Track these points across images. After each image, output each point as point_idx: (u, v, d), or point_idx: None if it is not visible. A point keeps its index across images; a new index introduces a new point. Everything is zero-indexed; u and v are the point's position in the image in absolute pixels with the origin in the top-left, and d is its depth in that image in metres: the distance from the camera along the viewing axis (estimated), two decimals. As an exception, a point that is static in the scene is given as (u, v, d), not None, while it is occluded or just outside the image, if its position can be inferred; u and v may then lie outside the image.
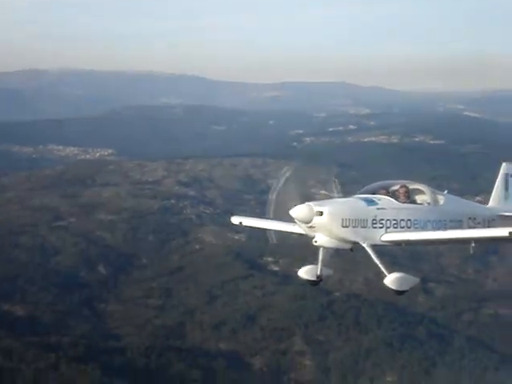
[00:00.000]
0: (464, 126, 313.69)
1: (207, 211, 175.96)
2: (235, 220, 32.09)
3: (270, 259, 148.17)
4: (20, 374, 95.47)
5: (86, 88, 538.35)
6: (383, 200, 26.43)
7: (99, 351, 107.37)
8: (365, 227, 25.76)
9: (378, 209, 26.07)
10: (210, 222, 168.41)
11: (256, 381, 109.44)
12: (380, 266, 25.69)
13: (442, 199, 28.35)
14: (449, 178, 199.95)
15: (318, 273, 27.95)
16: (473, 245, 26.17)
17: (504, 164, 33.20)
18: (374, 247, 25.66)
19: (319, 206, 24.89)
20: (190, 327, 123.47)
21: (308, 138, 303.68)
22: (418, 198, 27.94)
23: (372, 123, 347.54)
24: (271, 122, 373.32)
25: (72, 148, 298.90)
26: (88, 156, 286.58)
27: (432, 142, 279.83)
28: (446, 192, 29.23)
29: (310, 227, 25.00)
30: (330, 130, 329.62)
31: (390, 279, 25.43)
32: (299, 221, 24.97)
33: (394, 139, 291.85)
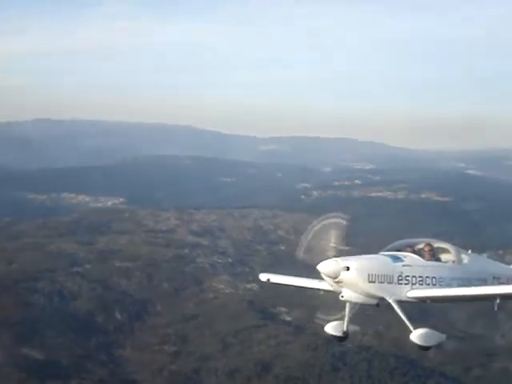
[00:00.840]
0: (467, 183, 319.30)
1: (220, 260, 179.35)
2: (263, 277, 33.17)
3: (282, 309, 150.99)
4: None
5: (96, 138, 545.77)
6: (409, 257, 27.17)
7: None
8: (391, 283, 26.40)
9: (403, 265, 26.77)
10: (223, 272, 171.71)
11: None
12: (406, 321, 26.50)
13: (466, 258, 28.93)
14: (454, 234, 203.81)
15: (345, 329, 28.49)
16: (497, 301, 26.49)
17: None
18: (400, 303, 26.47)
19: (346, 261, 25.61)
20: (206, 374, 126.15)
21: (315, 192, 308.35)
22: (443, 257, 28.60)
23: (377, 178, 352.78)
24: (279, 175, 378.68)
25: (84, 196, 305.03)
26: (100, 204, 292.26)
27: (437, 198, 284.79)
28: (469, 251, 29.77)
29: (337, 282, 25.68)
30: (336, 184, 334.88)
31: (416, 334, 26.38)
32: (326, 276, 25.72)
33: (400, 195, 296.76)
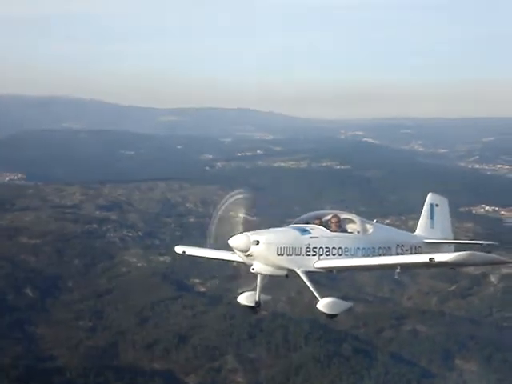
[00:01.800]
0: (365, 152, 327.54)
1: (130, 234, 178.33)
2: (178, 249, 33.60)
3: (196, 280, 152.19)
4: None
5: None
6: (316, 229, 28.10)
7: (38, 372, 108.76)
8: (299, 255, 27.21)
9: (311, 237, 27.66)
10: (134, 245, 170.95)
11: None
12: (313, 291, 27.51)
13: (371, 228, 29.96)
14: (356, 201, 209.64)
15: (257, 299, 29.36)
16: (398, 270, 27.69)
17: (430, 194, 35.58)
18: (308, 274, 27.38)
19: (256, 235, 26.42)
20: (123, 348, 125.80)
21: (219, 163, 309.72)
22: (349, 227, 29.66)
23: (278, 148, 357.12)
24: (179, 147, 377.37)
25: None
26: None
27: (338, 167, 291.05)
28: (375, 221, 30.84)
29: (248, 256, 26.48)
30: (239, 154, 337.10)
31: (323, 303, 27.34)
32: (237, 250, 26.52)
33: (303, 164, 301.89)
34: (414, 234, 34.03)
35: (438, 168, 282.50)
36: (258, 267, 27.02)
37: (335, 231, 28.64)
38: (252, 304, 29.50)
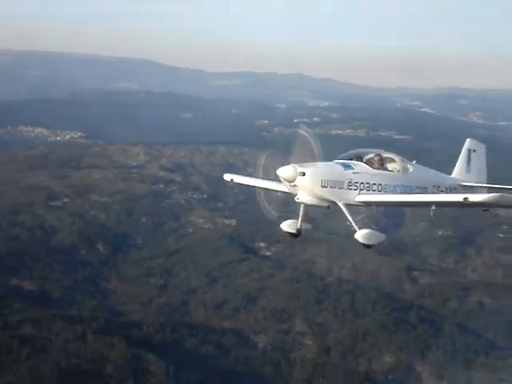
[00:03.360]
0: (423, 122, 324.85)
1: (194, 196, 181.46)
2: (227, 177, 35.21)
3: (262, 244, 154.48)
4: (52, 343, 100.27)
5: (41, 70, 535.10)
6: (359, 166, 29.48)
7: (117, 325, 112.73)
8: (341, 188, 28.70)
9: (353, 173, 29.06)
10: (199, 207, 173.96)
11: (262, 358, 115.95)
12: (352, 222, 28.74)
13: (410, 168, 31.31)
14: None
15: (298, 226, 30.81)
16: (433, 208, 28.97)
17: (468, 140, 37.15)
18: (349, 206, 28.70)
19: (302, 167, 27.74)
20: (194, 306, 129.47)
21: (276, 129, 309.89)
22: (390, 166, 30.86)
23: (334, 116, 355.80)
24: (234, 111, 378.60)
25: (41, 129, 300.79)
26: (58, 138, 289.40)
27: (398, 137, 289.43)
28: (414, 162, 32.03)
29: (294, 186, 27.96)
30: (295, 121, 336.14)
31: (360, 234, 28.52)
32: (284, 180, 28.03)
33: (361, 133, 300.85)
34: (451, 176, 35.54)
35: (498, 140, 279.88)
36: (303, 197, 28.41)
37: (377, 169, 30.04)
38: (293, 231, 31.00)
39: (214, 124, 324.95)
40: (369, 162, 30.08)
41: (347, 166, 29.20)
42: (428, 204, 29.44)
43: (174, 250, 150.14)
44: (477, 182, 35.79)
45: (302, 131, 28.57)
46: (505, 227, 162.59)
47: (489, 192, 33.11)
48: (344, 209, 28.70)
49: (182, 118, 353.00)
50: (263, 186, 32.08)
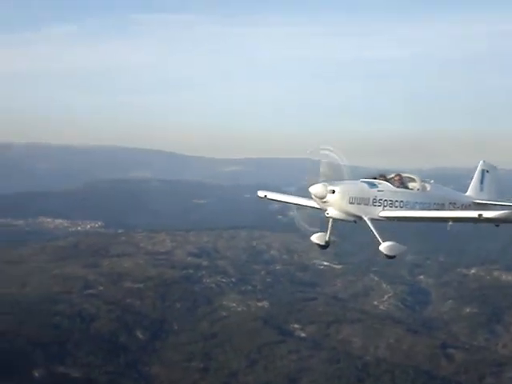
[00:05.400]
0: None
1: (224, 280, 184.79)
2: (261, 194, 39.11)
3: (296, 326, 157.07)
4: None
5: (52, 162, 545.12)
6: (382, 184, 33.08)
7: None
8: (367, 205, 32.15)
9: (378, 191, 32.63)
10: (230, 291, 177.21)
11: None
12: (377, 235, 32.20)
13: (428, 186, 35.09)
14: (436, 251, 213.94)
15: (327, 239, 34.99)
16: (450, 223, 32.37)
17: (481, 161, 41.06)
18: (374, 221, 32.23)
19: (332, 185, 31.28)
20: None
21: (291, 212, 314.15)
22: (410, 185, 34.47)
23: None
24: (247, 196, 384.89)
25: (61, 220, 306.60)
26: (79, 228, 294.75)
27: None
28: (432, 181, 35.64)
29: (324, 202, 31.54)
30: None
31: (384, 246, 32.01)
32: (315, 197, 31.61)
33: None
34: (466, 194, 39.35)
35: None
36: (332, 212, 31.84)
37: (398, 187, 33.62)
38: (323, 243, 35.11)
39: (229, 209, 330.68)
40: (390, 182, 33.73)
41: (372, 185, 32.84)
42: (445, 219, 32.85)
43: (211, 334, 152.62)
44: (489, 200, 39.47)
45: (329, 152, 31.35)
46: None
47: (501, 209, 36.05)
48: (369, 223, 32.26)
49: (196, 204, 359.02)
50: (295, 202, 36.53)
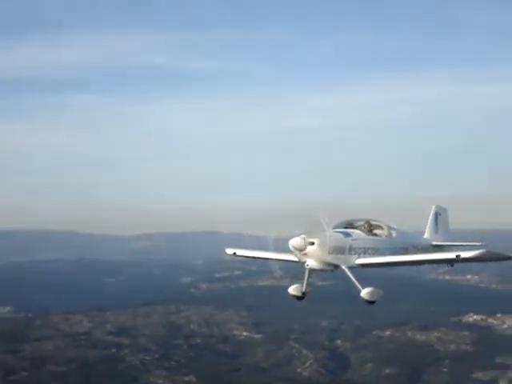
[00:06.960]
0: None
1: (147, 357, 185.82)
2: (229, 251, 40.78)
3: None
4: None
5: None
6: (355, 233, 34.87)
7: None
8: (344, 254, 33.79)
9: (352, 240, 34.38)
10: (154, 368, 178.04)
11: None
12: (355, 282, 33.71)
13: (394, 232, 37.15)
14: (348, 316, 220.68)
15: (304, 290, 36.31)
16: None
17: (434, 206, 43.64)
18: (351, 269, 33.92)
19: (311, 237, 32.70)
20: None
21: (204, 285, 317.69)
22: (378, 232, 36.50)
23: (253, 268, 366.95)
24: (157, 272, 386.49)
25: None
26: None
27: (320, 283, 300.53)
28: (396, 226, 37.68)
29: (304, 254, 32.82)
30: (217, 276, 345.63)
31: (365, 292, 33.55)
32: (295, 249, 32.79)
33: (284, 282, 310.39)
34: (424, 237, 42.18)
35: (414, 280, 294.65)
36: (312, 263, 33.09)
37: (368, 235, 35.64)
38: (299, 294, 36.52)
39: (140, 286, 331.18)
40: (360, 229, 35.67)
41: (347, 234, 34.59)
42: (423, 262, 35.31)
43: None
44: (444, 241, 42.41)
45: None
46: (447, 361, 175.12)
47: (456, 249, 38.66)
48: (348, 271, 33.84)
49: (106, 282, 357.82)
50: (266, 257, 37.49)
